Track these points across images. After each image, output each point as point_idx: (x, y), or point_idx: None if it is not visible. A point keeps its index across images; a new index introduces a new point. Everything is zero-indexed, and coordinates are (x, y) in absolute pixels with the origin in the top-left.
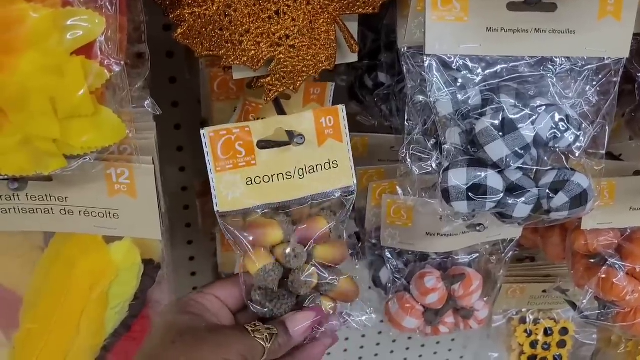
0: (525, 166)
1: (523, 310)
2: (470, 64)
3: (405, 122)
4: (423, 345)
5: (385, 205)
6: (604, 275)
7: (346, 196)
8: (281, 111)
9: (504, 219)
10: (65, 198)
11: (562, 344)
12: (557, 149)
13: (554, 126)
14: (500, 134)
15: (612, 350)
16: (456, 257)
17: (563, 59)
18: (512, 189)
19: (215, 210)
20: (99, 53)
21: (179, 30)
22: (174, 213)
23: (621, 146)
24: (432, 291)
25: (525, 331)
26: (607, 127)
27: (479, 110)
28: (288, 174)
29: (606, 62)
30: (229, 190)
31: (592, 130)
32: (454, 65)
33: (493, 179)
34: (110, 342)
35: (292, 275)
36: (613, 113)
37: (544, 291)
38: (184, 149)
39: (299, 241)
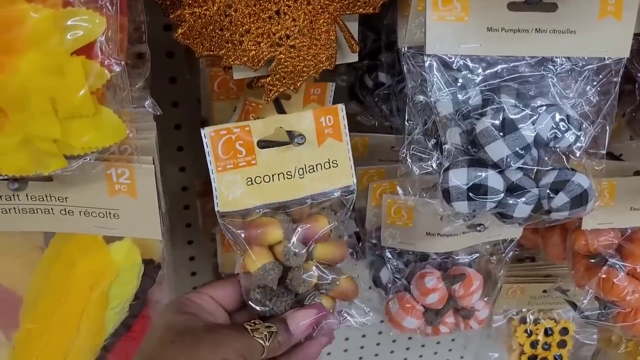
0: (525, 166)
1: (523, 310)
2: (470, 64)
3: (406, 122)
4: (423, 346)
5: (385, 205)
6: (604, 276)
7: (346, 196)
8: (281, 111)
9: (504, 219)
10: (66, 198)
11: (562, 344)
12: (558, 149)
13: (555, 126)
14: (501, 134)
15: (613, 351)
16: (456, 257)
17: (563, 59)
18: (513, 189)
19: (216, 210)
20: (100, 53)
21: (180, 30)
22: (174, 213)
23: (622, 146)
24: (433, 291)
25: (526, 331)
26: (607, 127)
27: (480, 110)
28: (288, 173)
29: (607, 62)
30: (230, 190)
31: (593, 130)
32: (454, 65)
33: (493, 179)
34: (110, 342)
35: (292, 273)
36: (613, 113)
37: (545, 291)
38: (184, 149)
39: (299, 240)
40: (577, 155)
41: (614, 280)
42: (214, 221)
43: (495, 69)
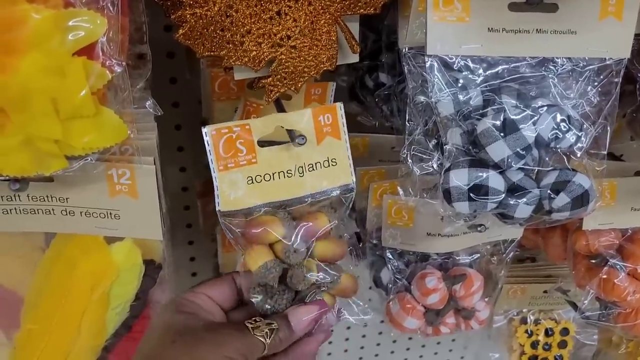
0: (526, 167)
1: (524, 310)
2: (471, 65)
3: (407, 123)
4: (424, 346)
5: (386, 206)
6: (605, 276)
7: (345, 194)
8: (282, 111)
9: (505, 220)
10: (67, 199)
11: (563, 345)
12: (559, 150)
13: (556, 127)
14: (502, 134)
15: (613, 351)
16: (457, 258)
17: (564, 60)
18: (514, 190)
19: (217, 209)
20: (101, 54)
21: (181, 31)
22: (174, 213)
23: (622, 147)
24: (433, 291)
25: (526, 331)
26: (608, 128)
27: (480, 111)
28: (289, 172)
29: (607, 62)
30: (232, 189)
31: (594, 130)
32: (455, 65)
33: (494, 180)
34: (111, 342)
35: (292, 271)
36: (614, 113)
37: (545, 291)
38: (184, 149)
39: (299, 238)
40: (578, 155)
41: (615, 280)
42: (214, 222)
43: (496, 69)
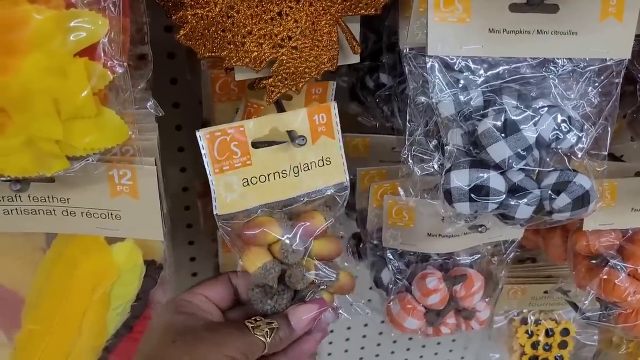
0: (527, 167)
1: (524, 311)
2: (472, 65)
3: (407, 123)
4: (424, 346)
5: (386, 206)
6: (605, 276)
7: (340, 192)
8: (282, 112)
9: (506, 220)
10: (68, 199)
11: (563, 345)
12: (559, 150)
13: (556, 127)
14: (503, 135)
15: (614, 352)
16: (458, 258)
17: (565, 60)
18: (515, 190)
19: (215, 213)
20: (102, 54)
21: (182, 31)
22: (175, 214)
23: (623, 147)
24: (434, 292)
25: (527, 332)
26: (609, 128)
27: (481, 112)
28: (283, 172)
29: (608, 63)
30: (228, 192)
31: (594, 131)
32: (456, 66)
33: (495, 180)
34: (112, 343)
35: (290, 271)
36: (615, 114)
37: (546, 292)
38: (185, 149)
39: (297, 237)
40: (579, 156)
41: (615, 281)
42: (215, 222)
43: (497, 70)
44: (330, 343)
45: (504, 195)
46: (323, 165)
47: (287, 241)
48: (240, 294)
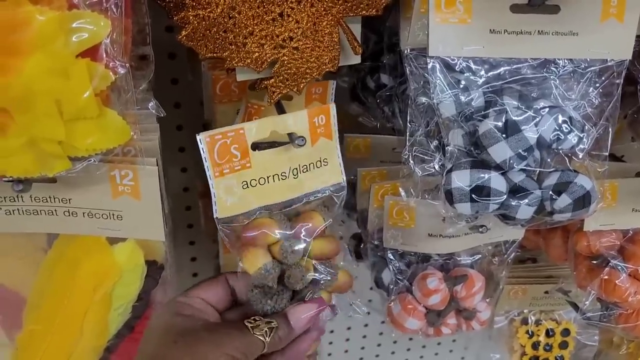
0: (528, 168)
1: (525, 311)
2: (473, 66)
3: (408, 124)
4: (424, 346)
5: (387, 207)
6: (606, 277)
7: (337, 193)
8: (283, 113)
9: (507, 221)
10: (69, 199)
11: (564, 345)
12: (560, 151)
13: (557, 128)
14: (504, 135)
15: (614, 352)
16: (458, 258)
17: (566, 61)
18: (516, 191)
19: (215, 216)
20: (104, 55)
21: (183, 32)
22: (176, 214)
23: (623, 148)
24: (435, 292)
25: (527, 332)
26: (610, 129)
27: (482, 112)
28: (283, 174)
29: (609, 63)
30: (228, 195)
31: (595, 132)
32: (457, 67)
33: (496, 181)
34: (113, 343)
35: (289, 271)
36: (616, 115)
37: (546, 292)
38: (186, 150)
39: (295, 237)
40: (580, 157)
41: (616, 281)
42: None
43: (498, 70)
44: (331, 343)
45: (505, 196)
46: (321, 166)
47: (287, 242)
48: (239, 295)
